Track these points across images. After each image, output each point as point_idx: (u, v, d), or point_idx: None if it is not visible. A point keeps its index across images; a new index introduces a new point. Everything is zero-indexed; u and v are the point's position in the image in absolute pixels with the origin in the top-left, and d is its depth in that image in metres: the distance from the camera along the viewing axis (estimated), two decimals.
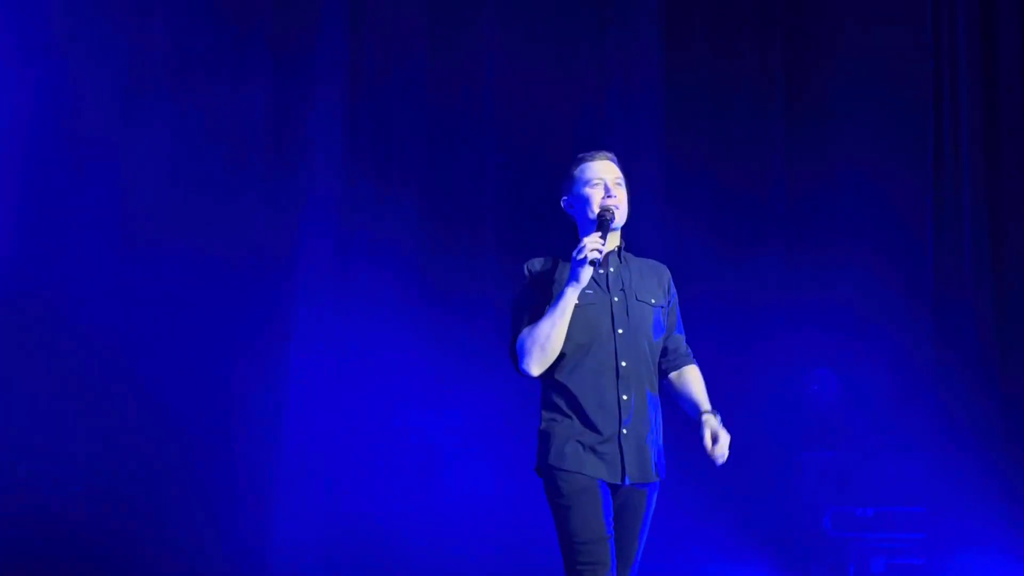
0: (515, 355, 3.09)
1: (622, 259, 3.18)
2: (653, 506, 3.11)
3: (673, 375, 3.20)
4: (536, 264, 3.18)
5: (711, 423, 3.02)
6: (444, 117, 5.07)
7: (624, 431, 3.03)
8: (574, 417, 3.07)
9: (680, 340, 3.24)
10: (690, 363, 3.24)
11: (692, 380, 3.19)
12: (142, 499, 5.02)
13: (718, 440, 2.99)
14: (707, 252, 4.80)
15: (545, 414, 3.11)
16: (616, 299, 3.11)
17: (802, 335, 4.67)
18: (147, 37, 5.09)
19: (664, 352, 3.20)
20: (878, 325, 4.61)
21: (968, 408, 4.24)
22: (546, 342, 3.05)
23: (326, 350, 5.02)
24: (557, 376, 3.09)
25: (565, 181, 3.18)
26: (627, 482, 3.01)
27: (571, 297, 3.03)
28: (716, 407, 3.02)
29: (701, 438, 2.96)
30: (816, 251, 4.80)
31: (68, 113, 5.07)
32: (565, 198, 3.19)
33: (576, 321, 3.06)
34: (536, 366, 3.07)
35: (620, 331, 3.07)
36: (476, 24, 5.08)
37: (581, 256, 2.97)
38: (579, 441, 3.04)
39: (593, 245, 2.97)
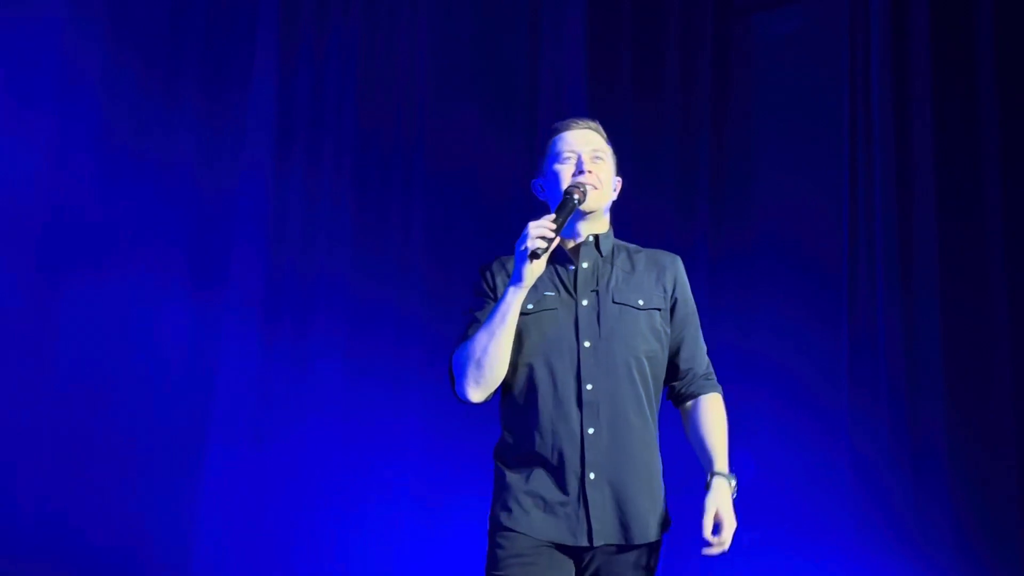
0: (451, 376, 2.46)
1: (603, 251, 2.48)
2: (647, 573, 2.39)
3: (687, 406, 2.51)
4: (496, 266, 2.52)
5: (717, 499, 2.35)
6: (371, 156, 5.02)
7: (591, 476, 2.33)
8: (526, 457, 2.39)
9: (696, 356, 2.52)
10: (710, 391, 2.52)
11: (706, 418, 2.46)
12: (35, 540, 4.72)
13: (720, 529, 2.33)
14: None
15: (497, 452, 2.48)
16: (585, 303, 2.42)
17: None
18: (77, 79, 5.04)
19: (674, 372, 2.50)
20: (794, 408, 4.48)
21: (880, 491, 4.20)
22: (483, 357, 2.36)
23: (250, 383, 4.84)
24: (509, 405, 2.46)
25: (537, 158, 2.59)
26: (594, 543, 2.33)
27: (512, 300, 2.35)
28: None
29: (701, 513, 2.33)
30: (734, 333, 4.65)
31: None
32: (536, 180, 2.57)
33: (530, 333, 2.40)
34: (473, 390, 2.40)
35: (587, 343, 2.37)
36: (408, 53, 5.09)
37: (523, 247, 2.31)
38: (529, 491, 2.37)
39: (538, 232, 2.30)
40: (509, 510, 2.37)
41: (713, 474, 2.41)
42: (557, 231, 2.32)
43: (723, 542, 2.35)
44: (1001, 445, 3.98)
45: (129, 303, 4.82)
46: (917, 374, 4.20)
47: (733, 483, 2.42)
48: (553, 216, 2.33)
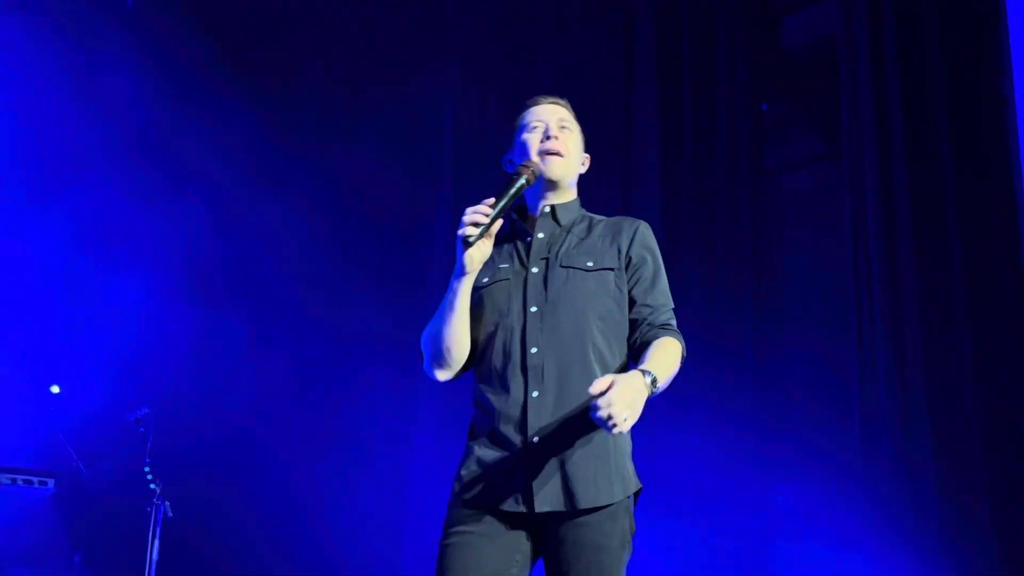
0: (421, 354, 2.45)
1: (561, 222, 2.42)
2: (605, 540, 2.22)
3: (647, 348, 2.30)
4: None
5: (619, 376, 2.10)
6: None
7: (534, 440, 2.21)
8: (483, 427, 2.34)
9: (652, 307, 2.36)
10: (665, 334, 2.33)
11: (651, 349, 2.28)
12: None
13: (609, 390, 2.08)
14: (695, 404, 5.75)
15: (470, 424, 2.43)
16: (535, 270, 2.35)
17: (767, 462, 5.68)
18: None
19: (632, 327, 2.37)
20: (822, 471, 5.53)
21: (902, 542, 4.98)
22: (438, 341, 2.33)
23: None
24: (474, 373, 2.42)
25: (510, 136, 2.53)
26: (535, 509, 2.20)
27: (457, 288, 2.29)
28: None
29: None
30: (772, 427, 5.71)
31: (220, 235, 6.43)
32: (506, 155, 2.51)
33: (484, 306, 2.36)
34: (437, 371, 2.37)
35: (533, 308, 2.29)
36: None
37: (461, 232, 2.23)
38: (479, 458, 2.29)
39: (472, 218, 2.22)
40: (460, 479, 2.31)
41: (637, 369, 2.16)
42: (499, 214, 2.22)
43: (609, 402, 2.06)
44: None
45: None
46: (913, 462, 5.11)
47: (650, 380, 2.15)
48: (492, 200, 2.23)
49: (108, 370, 6.45)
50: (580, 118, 6.82)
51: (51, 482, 5.62)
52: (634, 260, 2.36)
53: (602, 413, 2.05)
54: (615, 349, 2.31)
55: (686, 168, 6.53)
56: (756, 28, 6.48)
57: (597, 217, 2.47)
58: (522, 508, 2.18)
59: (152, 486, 5.28)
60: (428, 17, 7.24)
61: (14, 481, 5.52)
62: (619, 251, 2.36)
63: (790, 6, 6.50)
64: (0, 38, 6.38)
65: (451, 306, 2.27)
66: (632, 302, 2.35)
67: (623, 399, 2.06)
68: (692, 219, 6.48)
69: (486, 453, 2.26)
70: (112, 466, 5.89)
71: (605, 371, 2.24)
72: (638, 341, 2.34)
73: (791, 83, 6.45)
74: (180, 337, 6.49)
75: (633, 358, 2.36)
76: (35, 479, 5.57)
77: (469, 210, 2.22)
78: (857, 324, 5.57)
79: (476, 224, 2.21)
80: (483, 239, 2.25)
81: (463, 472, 2.31)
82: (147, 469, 5.30)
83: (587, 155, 2.60)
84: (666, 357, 2.26)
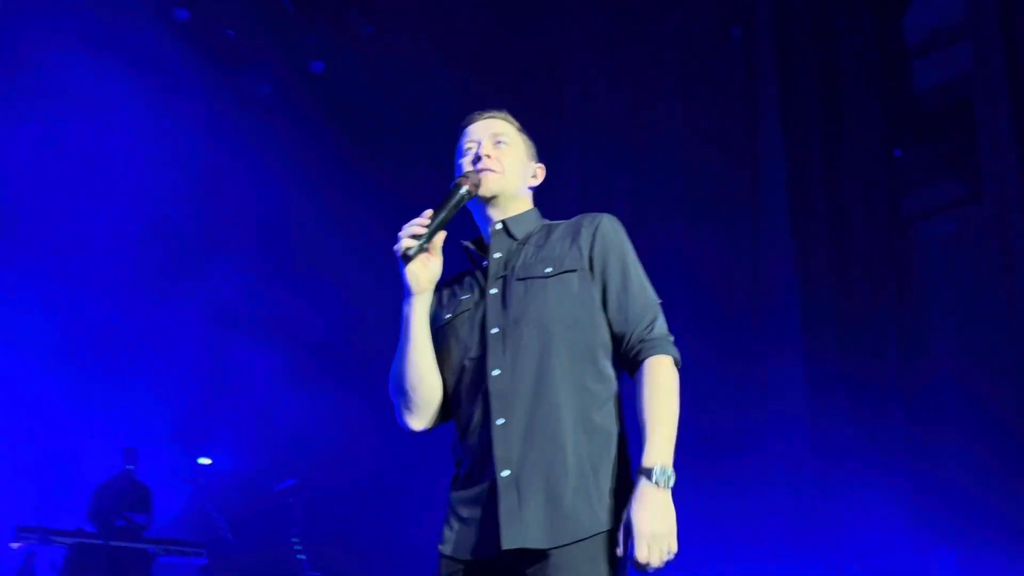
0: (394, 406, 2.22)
1: (517, 235, 2.23)
2: (598, 571, 1.94)
3: (635, 377, 2.12)
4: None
5: (634, 511, 1.94)
6: None
7: (504, 474, 1.97)
8: (461, 467, 2.13)
9: (627, 312, 2.12)
10: (649, 354, 2.11)
11: (642, 394, 2.07)
12: None
13: (632, 550, 1.92)
14: (845, 450, 5.66)
15: None
16: (493, 291, 2.15)
17: (924, 517, 5.56)
18: None
19: (615, 340, 2.13)
20: (989, 510, 5.36)
21: None
22: (401, 381, 2.13)
23: None
24: (453, 418, 2.20)
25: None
26: (503, 547, 1.94)
27: (408, 314, 2.10)
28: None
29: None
30: (932, 457, 5.69)
31: None
32: (452, 184, 2.24)
33: (448, 342, 2.16)
34: (409, 417, 2.15)
35: (494, 330, 2.08)
36: None
37: (396, 247, 2.08)
38: (456, 504, 2.09)
39: (408, 231, 2.08)
40: (442, 531, 2.10)
41: (640, 471, 1.99)
42: (439, 226, 2.09)
43: (643, 561, 1.93)
44: None
45: None
46: None
47: (661, 477, 1.96)
48: (431, 212, 2.09)
49: (255, 442, 6.65)
50: (708, 173, 6.94)
51: (204, 552, 5.77)
52: (597, 264, 2.14)
53: (648, 570, 1.93)
54: (588, 360, 2.08)
55: (819, 219, 6.54)
56: (884, 73, 6.50)
57: (558, 222, 2.29)
58: (487, 553, 1.96)
59: (300, 556, 5.38)
60: (545, 94, 7.37)
61: (168, 552, 5.70)
62: (580, 250, 2.16)
63: (918, 49, 6.43)
64: (150, 127, 6.73)
65: (406, 335, 2.09)
66: (609, 313, 2.13)
67: (651, 544, 1.91)
68: (829, 270, 6.46)
69: (461, 495, 2.07)
70: (260, 537, 6.01)
71: (578, 389, 2.04)
72: (628, 357, 2.13)
73: (924, 126, 6.44)
74: (317, 410, 6.65)
75: (628, 373, 2.17)
76: (189, 549, 5.74)
77: (407, 227, 2.08)
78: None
79: (415, 236, 2.07)
80: (428, 256, 2.11)
81: (444, 525, 2.10)
82: (295, 540, 5.40)
83: (540, 165, 2.39)
84: (660, 408, 2.03)
